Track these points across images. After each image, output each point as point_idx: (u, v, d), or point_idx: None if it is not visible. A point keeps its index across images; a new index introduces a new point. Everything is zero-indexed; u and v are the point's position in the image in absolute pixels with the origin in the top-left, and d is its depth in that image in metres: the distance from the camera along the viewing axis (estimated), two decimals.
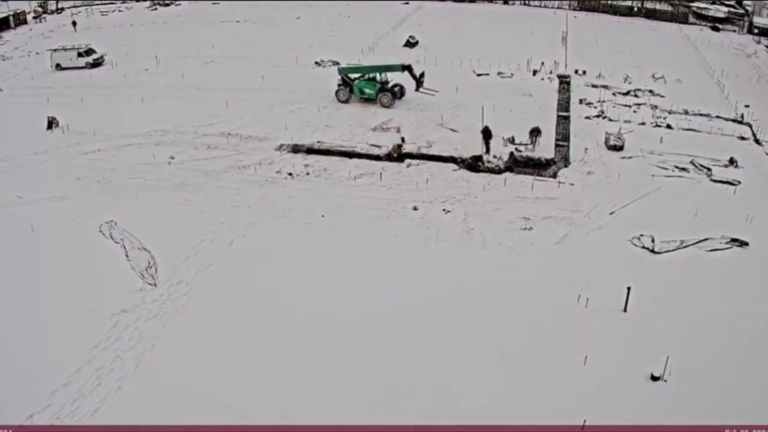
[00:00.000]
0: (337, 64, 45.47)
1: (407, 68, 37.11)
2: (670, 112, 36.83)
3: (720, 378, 17.73)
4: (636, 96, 39.60)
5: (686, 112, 36.88)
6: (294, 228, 25.13)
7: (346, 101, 37.68)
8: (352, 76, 38.11)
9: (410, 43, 49.70)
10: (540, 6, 65.31)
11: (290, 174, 29.66)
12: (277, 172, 29.79)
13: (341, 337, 19.27)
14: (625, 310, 20.19)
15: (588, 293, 20.66)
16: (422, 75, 37.00)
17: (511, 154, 30.96)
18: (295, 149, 32.04)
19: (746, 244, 23.86)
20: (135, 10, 66.24)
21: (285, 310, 20.45)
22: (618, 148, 31.65)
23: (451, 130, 34.14)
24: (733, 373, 17.90)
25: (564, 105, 38.03)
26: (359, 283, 21.72)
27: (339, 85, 38.26)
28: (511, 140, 32.36)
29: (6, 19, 59.24)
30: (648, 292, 20.72)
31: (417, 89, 36.96)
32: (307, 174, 29.71)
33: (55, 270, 22.35)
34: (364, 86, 37.62)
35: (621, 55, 47.82)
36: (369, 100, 37.48)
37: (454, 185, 28.50)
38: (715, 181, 28.79)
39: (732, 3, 61.89)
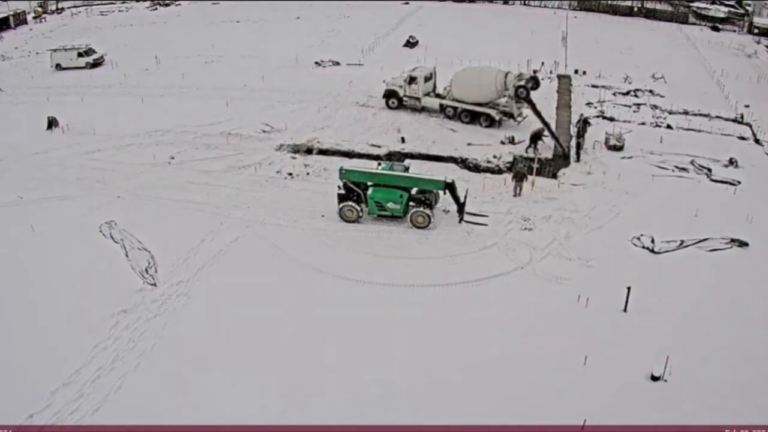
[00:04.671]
0: (338, 64, 45.36)
1: (449, 187, 24.89)
2: (670, 112, 36.83)
3: (720, 378, 17.72)
4: (636, 96, 39.62)
5: (686, 112, 36.87)
6: (294, 228, 25.12)
7: (356, 220, 25.56)
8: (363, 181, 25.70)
9: (410, 43, 49.70)
10: (540, 6, 65.27)
11: (290, 174, 29.66)
12: (277, 172, 29.79)
13: (342, 336, 19.28)
14: (625, 310, 20.19)
15: (588, 293, 20.67)
16: (465, 198, 25.42)
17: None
18: (295, 149, 32.05)
19: (746, 244, 23.84)
20: (135, 10, 66.32)
21: (286, 309, 20.45)
22: (618, 149, 31.65)
23: (451, 130, 34.14)
24: (733, 373, 17.90)
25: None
26: (359, 282, 21.70)
27: (341, 195, 25.59)
28: (511, 140, 32.39)
29: (6, 19, 59.26)
30: (648, 292, 20.71)
31: (461, 220, 25.31)
32: (307, 174, 29.71)
33: (55, 270, 22.34)
34: (385, 196, 25.15)
35: (621, 55, 47.81)
36: (393, 217, 25.41)
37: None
38: (715, 181, 28.78)
39: (732, 3, 61.86)
